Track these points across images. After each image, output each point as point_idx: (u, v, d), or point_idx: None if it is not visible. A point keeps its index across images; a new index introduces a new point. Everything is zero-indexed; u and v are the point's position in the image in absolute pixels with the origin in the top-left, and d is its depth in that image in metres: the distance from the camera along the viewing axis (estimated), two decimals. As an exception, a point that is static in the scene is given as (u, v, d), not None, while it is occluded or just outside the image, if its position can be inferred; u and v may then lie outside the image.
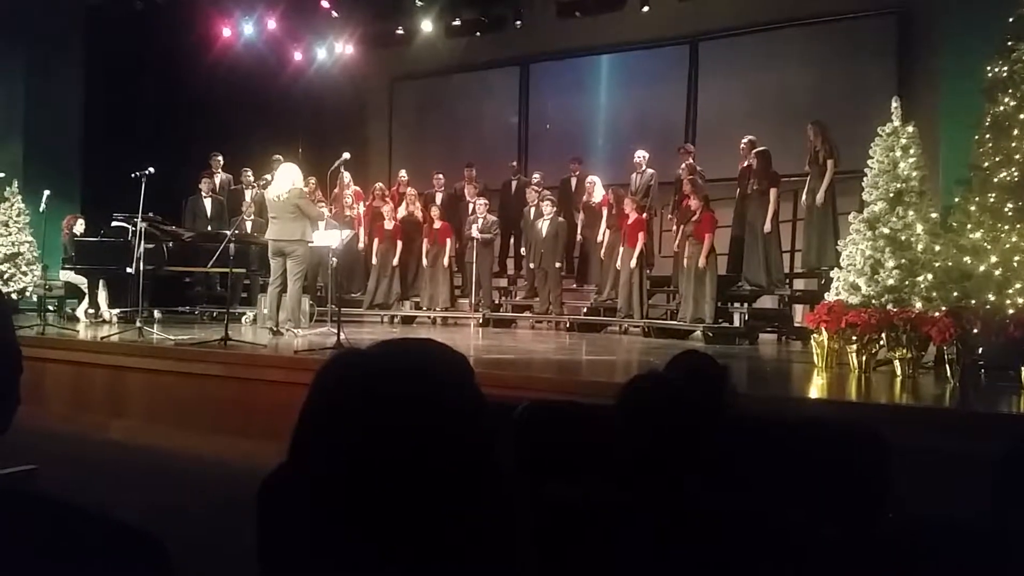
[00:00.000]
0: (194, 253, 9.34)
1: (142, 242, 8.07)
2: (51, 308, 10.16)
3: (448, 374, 0.87)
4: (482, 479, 0.82)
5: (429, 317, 11.29)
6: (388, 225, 11.40)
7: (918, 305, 5.83)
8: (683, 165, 10.12)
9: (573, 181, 11.52)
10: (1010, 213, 5.78)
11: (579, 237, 10.91)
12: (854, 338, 5.95)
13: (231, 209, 11.38)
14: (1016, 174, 5.83)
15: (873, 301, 6.01)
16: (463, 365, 0.89)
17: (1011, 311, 5.44)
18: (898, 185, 6.22)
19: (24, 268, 10.54)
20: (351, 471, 0.79)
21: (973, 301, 5.65)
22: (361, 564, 0.79)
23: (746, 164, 9.60)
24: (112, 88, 11.86)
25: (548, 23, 12.78)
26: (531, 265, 10.88)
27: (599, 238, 10.53)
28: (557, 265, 10.52)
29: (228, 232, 8.16)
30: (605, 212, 10.53)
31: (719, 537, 1.54)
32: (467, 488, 0.80)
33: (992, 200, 5.88)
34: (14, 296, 10.21)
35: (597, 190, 10.85)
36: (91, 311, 9.54)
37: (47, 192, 9.25)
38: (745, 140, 9.74)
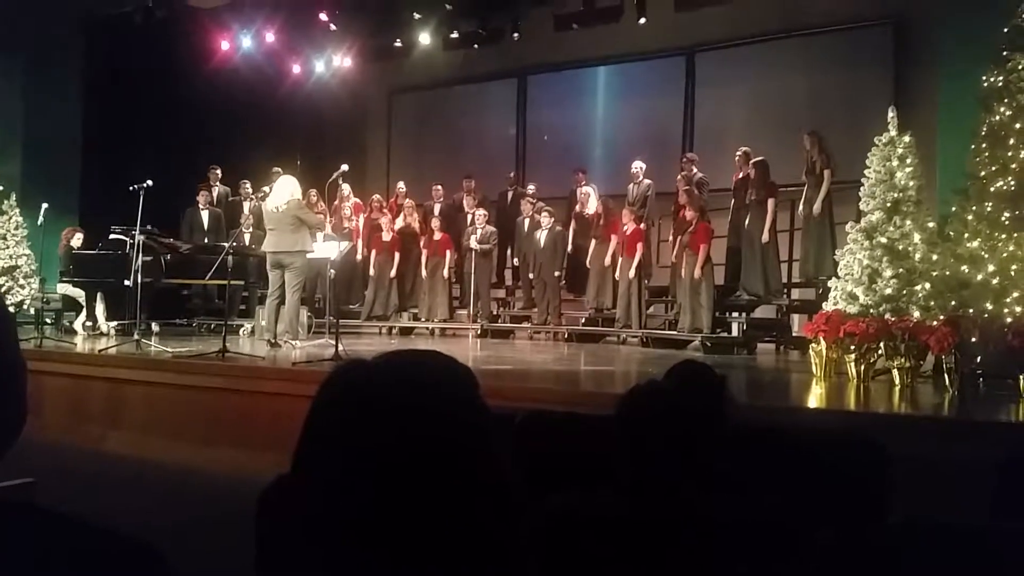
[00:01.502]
0: (192, 265, 9.35)
1: (140, 255, 8.08)
2: (49, 321, 10.14)
3: (453, 386, 0.87)
4: (487, 492, 0.82)
5: (427, 328, 11.29)
6: (386, 236, 11.41)
7: (916, 314, 5.83)
8: (679, 176, 10.14)
9: (579, 192, 11.51)
10: (1007, 222, 5.79)
11: (569, 248, 10.86)
12: (852, 347, 5.95)
13: (229, 221, 11.40)
14: (1013, 183, 5.85)
15: (871, 310, 6.01)
16: (468, 377, 0.89)
17: (1009, 320, 5.45)
18: (895, 195, 6.24)
19: (22, 281, 10.54)
20: (355, 483, 0.79)
21: (971, 310, 5.66)
22: (363, 575, 0.79)
23: (741, 175, 9.63)
24: (111, 101, 11.89)
25: (545, 35, 12.82)
26: (530, 276, 10.88)
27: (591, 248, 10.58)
28: (556, 275, 10.53)
29: (226, 244, 8.17)
30: (594, 222, 10.58)
31: (718, 547, 1.54)
32: (472, 501, 0.81)
33: (989, 209, 5.89)
34: (11, 309, 10.17)
35: (592, 201, 10.87)
36: (89, 324, 9.53)
37: (45, 205, 9.26)
38: (740, 152, 9.76)
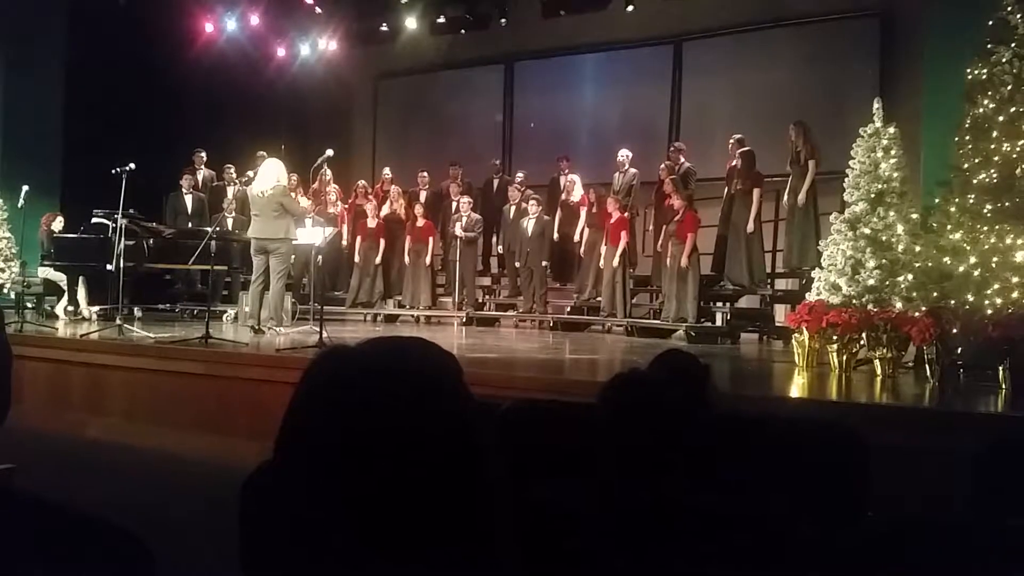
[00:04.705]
0: (175, 250, 9.27)
1: (122, 239, 7.99)
2: (30, 305, 10.06)
3: (438, 374, 0.86)
4: (471, 481, 0.82)
5: (412, 316, 11.27)
6: (371, 223, 11.37)
7: (898, 305, 5.87)
8: (662, 165, 10.15)
9: (562, 180, 11.52)
10: (989, 214, 5.82)
11: (555, 235, 10.84)
12: (835, 338, 5.99)
13: (212, 206, 11.32)
14: (995, 176, 5.88)
15: (854, 301, 6.05)
16: (452, 364, 0.89)
17: (990, 311, 5.49)
18: (879, 186, 6.27)
19: (2, 264, 10.42)
20: (337, 470, 0.79)
21: (952, 301, 5.70)
22: (347, 564, 0.79)
23: (733, 163, 9.64)
24: (93, 83, 11.74)
25: (533, 21, 12.78)
26: (516, 264, 10.86)
27: (576, 237, 10.59)
28: (544, 264, 10.53)
29: (209, 229, 8.11)
30: (584, 211, 10.58)
31: (700, 536, 1.54)
32: (455, 490, 0.80)
33: (972, 201, 5.92)
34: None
35: (576, 189, 10.88)
36: (70, 308, 9.44)
37: (26, 187, 9.15)
38: (733, 139, 9.77)
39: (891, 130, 6.40)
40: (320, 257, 8.24)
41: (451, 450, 0.82)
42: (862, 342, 5.96)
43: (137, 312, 9.40)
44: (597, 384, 3.78)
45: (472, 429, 0.85)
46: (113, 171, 7.61)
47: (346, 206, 11.75)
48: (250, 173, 8.57)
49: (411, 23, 12.77)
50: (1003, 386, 5.20)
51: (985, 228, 5.80)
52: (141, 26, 11.41)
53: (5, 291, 10.32)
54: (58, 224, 10.11)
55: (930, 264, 5.98)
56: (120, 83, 11.65)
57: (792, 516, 1.71)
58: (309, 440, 0.82)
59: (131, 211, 8.46)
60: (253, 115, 12.46)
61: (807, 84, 11.11)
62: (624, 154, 10.73)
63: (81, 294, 9.39)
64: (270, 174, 7.87)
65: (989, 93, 6.04)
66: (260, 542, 0.90)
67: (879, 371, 5.79)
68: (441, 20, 12.93)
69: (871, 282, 6.02)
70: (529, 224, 10.57)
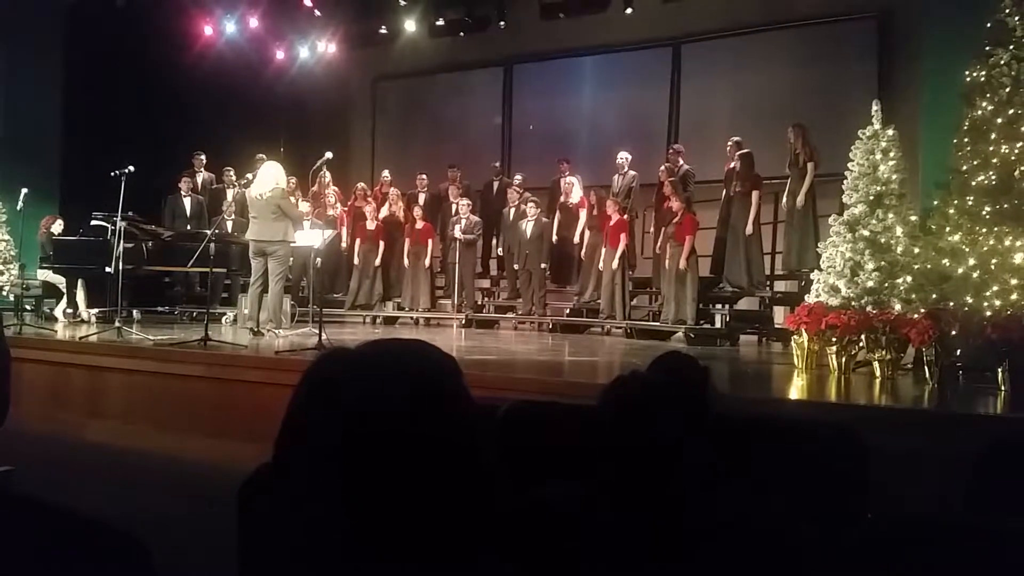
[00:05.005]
0: (174, 253, 9.27)
1: (121, 241, 7.99)
2: (28, 308, 10.05)
3: (438, 376, 0.86)
4: (471, 482, 0.82)
5: (412, 318, 11.27)
6: (370, 225, 11.37)
7: (897, 307, 5.87)
8: (662, 167, 10.15)
9: (562, 182, 11.51)
10: (988, 216, 5.83)
11: (554, 238, 10.83)
12: (834, 340, 5.99)
13: (211, 208, 11.32)
14: (994, 177, 5.88)
15: (853, 303, 6.05)
16: (452, 366, 0.89)
17: (988, 313, 5.49)
18: (878, 188, 6.27)
19: (1, 267, 10.42)
20: (336, 473, 0.78)
21: (951, 303, 5.70)
22: (346, 565, 0.78)
23: (732, 165, 9.64)
24: (92, 86, 11.74)
25: (532, 24, 12.79)
26: (515, 266, 10.86)
27: (575, 239, 10.59)
28: (543, 266, 10.53)
29: (208, 231, 8.10)
30: (584, 213, 10.58)
31: (700, 537, 1.54)
32: (455, 492, 0.80)
33: (970, 203, 5.93)
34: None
35: (575, 191, 10.88)
36: (69, 311, 9.44)
37: (25, 190, 9.15)
38: (731, 141, 9.78)
39: (890, 132, 6.40)
40: (319, 259, 8.23)
41: (450, 452, 0.82)
42: (861, 344, 5.96)
43: (136, 314, 9.39)
44: (596, 386, 3.78)
45: (471, 431, 0.85)
46: (112, 173, 7.61)
47: (345, 208, 11.76)
48: (249, 175, 8.57)
49: (410, 26, 12.78)
50: (1002, 388, 5.21)
51: (984, 230, 5.81)
52: (141, 28, 11.41)
53: (4, 293, 10.30)
54: (57, 226, 10.11)
55: (929, 266, 5.98)
56: (119, 85, 11.65)
57: (792, 517, 1.71)
58: (308, 442, 0.82)
59: (130, 213, 8.46)
60: (252, 118, 12.45)
61: (806, 86, 11.11)
62: (623, 156, 10.73)
63: (80, 296, 9.38)
64: (269, 177, 7.88)
65: (987, 95, 6.05)
66: (258, 543, 0.90)
67: (878, 373, 5.79)
68: (440, 23, 12.96)
69: (870, 284, 6.02)
70: (528, 226, 10.58)
